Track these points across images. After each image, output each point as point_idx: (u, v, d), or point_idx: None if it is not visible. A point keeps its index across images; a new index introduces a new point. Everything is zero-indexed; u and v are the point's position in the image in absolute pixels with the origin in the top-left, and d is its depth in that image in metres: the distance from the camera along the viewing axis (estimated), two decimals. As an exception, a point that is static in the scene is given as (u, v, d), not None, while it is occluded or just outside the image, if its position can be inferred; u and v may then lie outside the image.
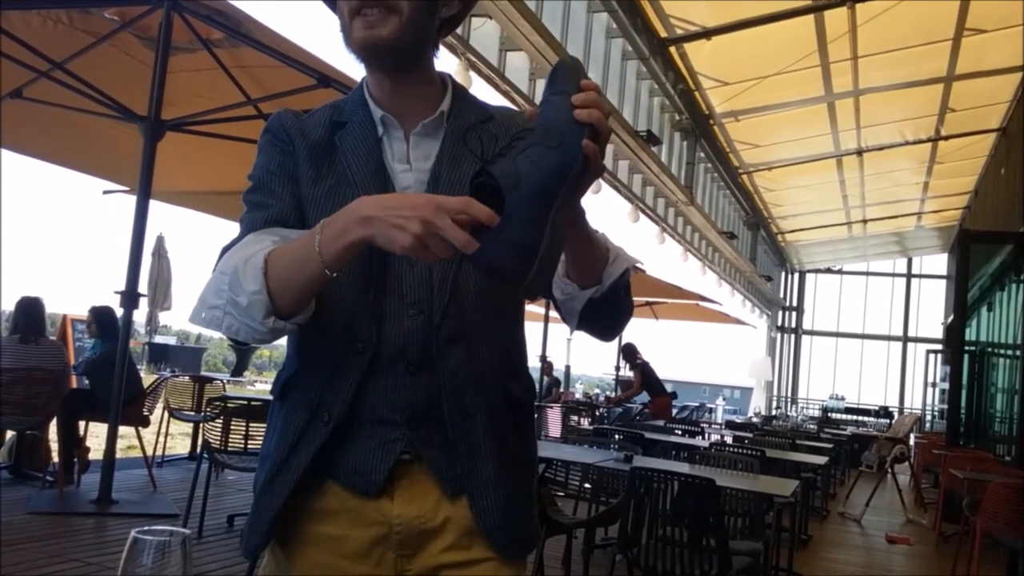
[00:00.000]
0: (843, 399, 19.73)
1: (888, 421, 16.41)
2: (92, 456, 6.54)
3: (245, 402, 5.51)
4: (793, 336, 21.41)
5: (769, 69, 9.27)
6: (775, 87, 9.70)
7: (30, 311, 6.15)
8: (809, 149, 12.49)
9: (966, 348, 11.95)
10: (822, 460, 6.52)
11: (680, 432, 7.81)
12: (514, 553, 1.30)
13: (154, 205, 5.79)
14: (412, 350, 1.25)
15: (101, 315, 6.74)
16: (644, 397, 11.44)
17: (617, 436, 6.04)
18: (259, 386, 14.60)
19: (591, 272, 1.23)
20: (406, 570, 1.27)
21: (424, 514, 1.26)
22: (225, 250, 1.24)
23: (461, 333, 1.27)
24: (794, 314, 21.46)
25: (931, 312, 19.73)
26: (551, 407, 10.19)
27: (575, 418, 10.95)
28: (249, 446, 5.14)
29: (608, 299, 1.26)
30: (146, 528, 0.84)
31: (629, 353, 10.94)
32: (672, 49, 8.84)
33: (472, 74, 6.11)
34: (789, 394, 21.13)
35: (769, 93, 9.93)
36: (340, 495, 1.27)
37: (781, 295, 20.87)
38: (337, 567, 1.26)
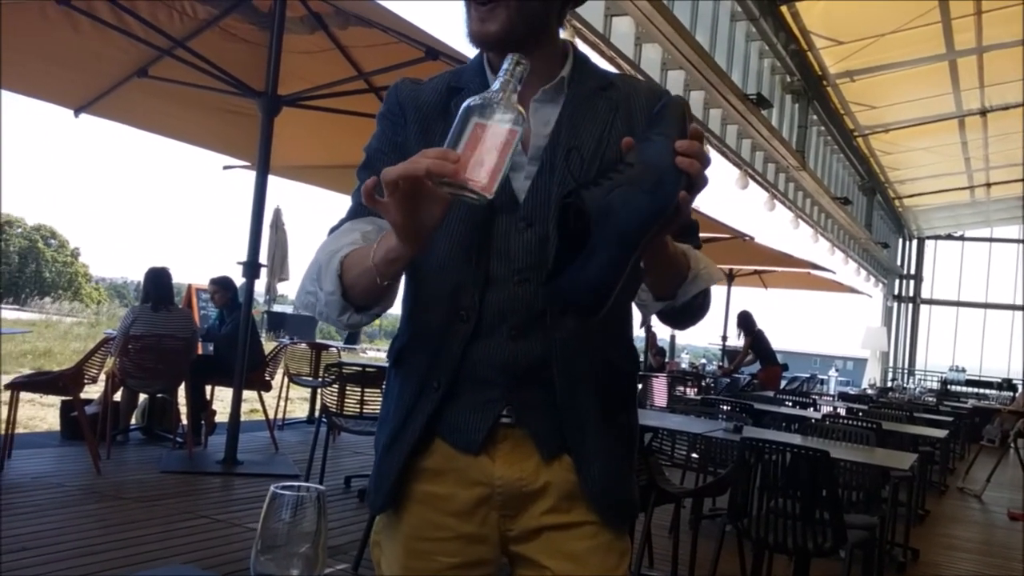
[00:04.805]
0: (964, 371, 18.90)
1: (1012, 394, 15.68)
2: (218, 419, 6.87)
3: (360, 368, 5.67)
4: (911, 305, 20.58)
5: (886, 27, 8.88)
6: (893, 45, 9.29)
7: (159, 281, 6.43)
8: (929, 110, 11.92)
9: (1100, 318, 11.31)
10: (941, 434, 6.30)
11: (790, 403, 7.64)
12: (615, 519, 1.32)
13: (271, 179, 6.00)
14: (515, 315, 1.26)
15: (227, 284, 7.08)
16: (752, 368, 11.24)
17: (725, 407, 5.96)
18: (371, 353, 15.02)
19: (667, 288, 1.24)
20: (508, 530, 1.31)
21: (525, 477, 1.29)
22: (331, 231, 1.30)
23: None
24: (912, 282, 20.60)
25: (1061, 280, 18.68)
26: (656, 376, 10.13)
27: (681, 388, 10.85)
28: (364, 411, 5.31)
29: (680, 311, 1.27)
30: (283, 484, 0.90)
31: (745, 322, 10.71)
32: (783, 8, 8.57)
33: (577, 40, 6.08)
34: (906, 365, 20.37)
35: (886, 52, 9.51)
36: (445, 453, 1.30)
37: (898, 263, 20.07)
38: (444, 524, 1.31)
